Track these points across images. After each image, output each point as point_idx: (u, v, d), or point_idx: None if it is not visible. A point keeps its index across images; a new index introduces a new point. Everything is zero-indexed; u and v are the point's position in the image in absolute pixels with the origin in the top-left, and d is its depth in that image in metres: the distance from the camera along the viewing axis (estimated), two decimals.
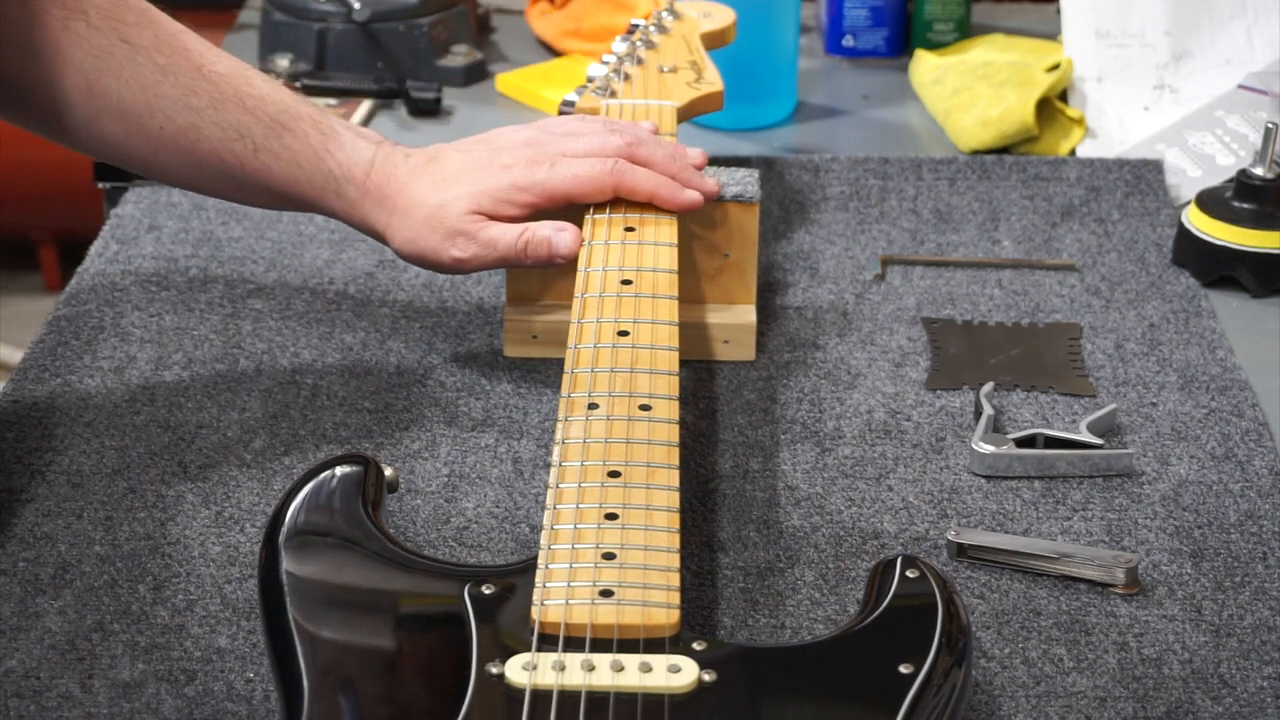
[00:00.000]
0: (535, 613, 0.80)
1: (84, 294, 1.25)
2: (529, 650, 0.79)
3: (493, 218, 1.08)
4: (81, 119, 1.06)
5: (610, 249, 1.06)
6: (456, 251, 1.07)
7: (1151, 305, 1.26)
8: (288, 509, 0.89)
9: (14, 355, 2.49)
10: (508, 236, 1.07)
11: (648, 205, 1.10)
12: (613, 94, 1.25)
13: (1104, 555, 0.98)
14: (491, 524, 1.02)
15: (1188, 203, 1.34)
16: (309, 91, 1.55)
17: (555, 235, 1.07)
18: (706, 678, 0.78)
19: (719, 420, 1.12)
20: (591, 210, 1.10)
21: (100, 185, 1.40)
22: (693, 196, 1.11)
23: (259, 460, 1.08)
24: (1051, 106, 1.49)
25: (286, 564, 0.85)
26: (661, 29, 1.35)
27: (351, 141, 1.10)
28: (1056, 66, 1.51)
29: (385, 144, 1.11)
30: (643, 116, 1.21)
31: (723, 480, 1.06)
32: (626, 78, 1.27)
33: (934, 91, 1.55)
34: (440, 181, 1.08)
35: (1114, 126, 1.49)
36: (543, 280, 1.19)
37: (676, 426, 0.92)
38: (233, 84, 1.08)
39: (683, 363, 1.05)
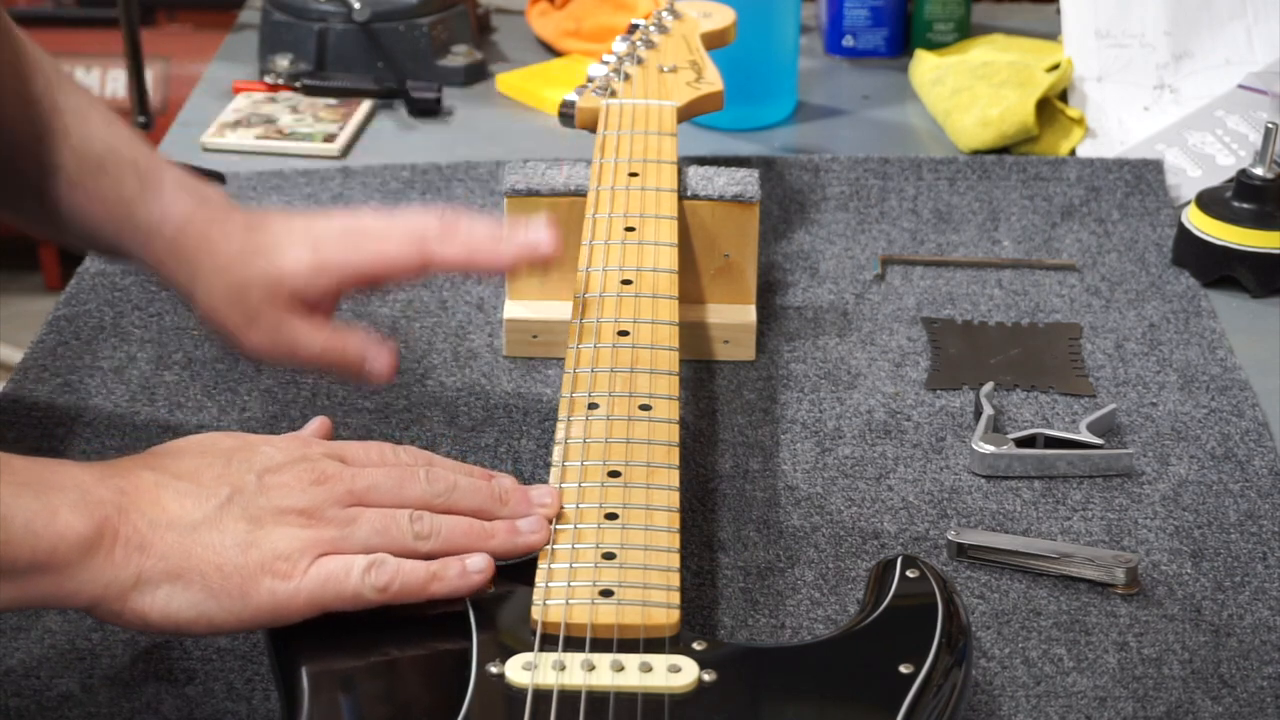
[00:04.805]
0: (535, 613, 0.80)
1: (84, 294, 1.25)
2: (529, 650, 0.79)
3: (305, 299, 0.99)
4: None
5: (610, 249, 1.06)
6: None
7: (1151, 305, 1.26)
8: None
9: (14, 355, 2.49)
10: (314, 343, 0.99)
11: (648, 205, 1.10)
12: (613, 94, 1.25)
13: (1104, 555, 0.98)
14: None
15: (1188, 203, 1.34)
16: (309, 91, 1.55)
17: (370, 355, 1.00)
18: (706, 678, 0.78)
19: (719, 420, 1.12)
20: (592, 210, 1.10)
21: None
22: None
23: None
24: (1051, 106, 1.49)
25: None
26: (661, 29, 1.35)
27: (172, 194, 1.02)
28: (1056, 66, 1.51)
29: (210, 206, 1.02)
30: (643, 116, 1.21)
31: (723, 480, 1.06)
32: (626, 77, 1.27)
33: (934, 91, 1.55)
34: (251, 252, 0.99)
35: (1114, 126, 1.49)
36: (543, 280, 1.19)
37: (676, 426, 0.92)
38: (64, 120, 1.02)
39: (683, 362, 1.05)
